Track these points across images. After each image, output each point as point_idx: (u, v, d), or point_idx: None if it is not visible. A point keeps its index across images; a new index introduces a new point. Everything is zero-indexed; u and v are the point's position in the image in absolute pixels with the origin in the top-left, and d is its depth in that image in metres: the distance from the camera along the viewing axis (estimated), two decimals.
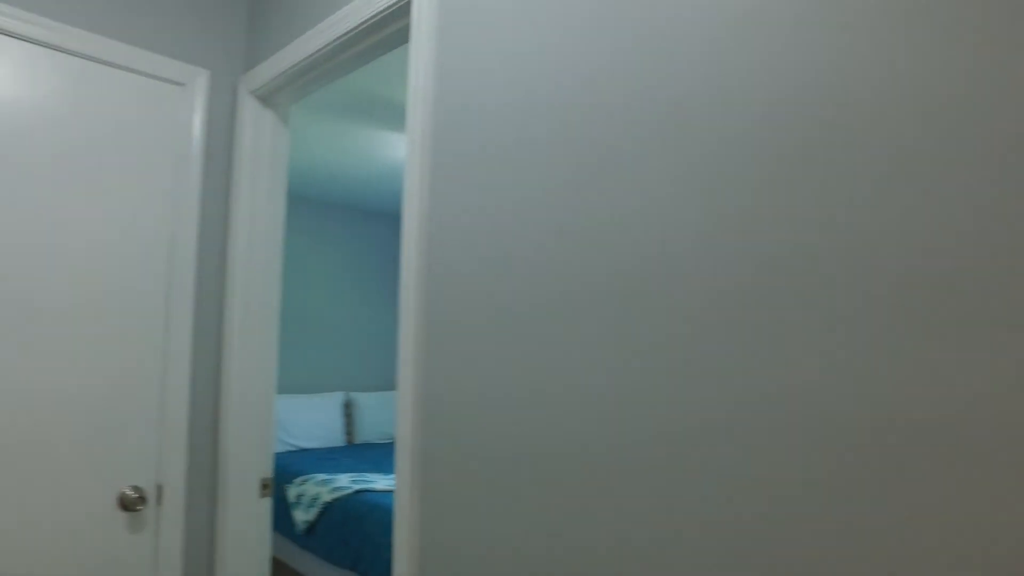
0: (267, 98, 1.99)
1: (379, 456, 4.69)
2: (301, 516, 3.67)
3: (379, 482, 3.77)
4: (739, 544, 0.84)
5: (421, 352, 1.33)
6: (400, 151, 4.26)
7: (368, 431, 5.24)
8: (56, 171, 1.65)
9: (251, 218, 1.95)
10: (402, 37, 1.57)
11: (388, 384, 5.78)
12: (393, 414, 5.40)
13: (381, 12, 1.50)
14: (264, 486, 1.94)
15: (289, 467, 4.22)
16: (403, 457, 1.32)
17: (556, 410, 1.07)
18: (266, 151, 2.00)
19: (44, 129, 1.64)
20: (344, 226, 5.60)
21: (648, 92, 0.99)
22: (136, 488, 1.73)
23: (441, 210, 1.33)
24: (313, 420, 4.91)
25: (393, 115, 3.65)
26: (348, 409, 5.32)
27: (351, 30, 1.58)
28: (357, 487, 3.63)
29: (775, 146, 0.84)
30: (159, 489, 1.79)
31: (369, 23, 1.54)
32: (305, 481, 3.89)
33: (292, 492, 3.87)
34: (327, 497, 3.60)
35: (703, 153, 0.92)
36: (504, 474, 1.15)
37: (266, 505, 1.95)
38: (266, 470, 1.95)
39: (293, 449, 4.77)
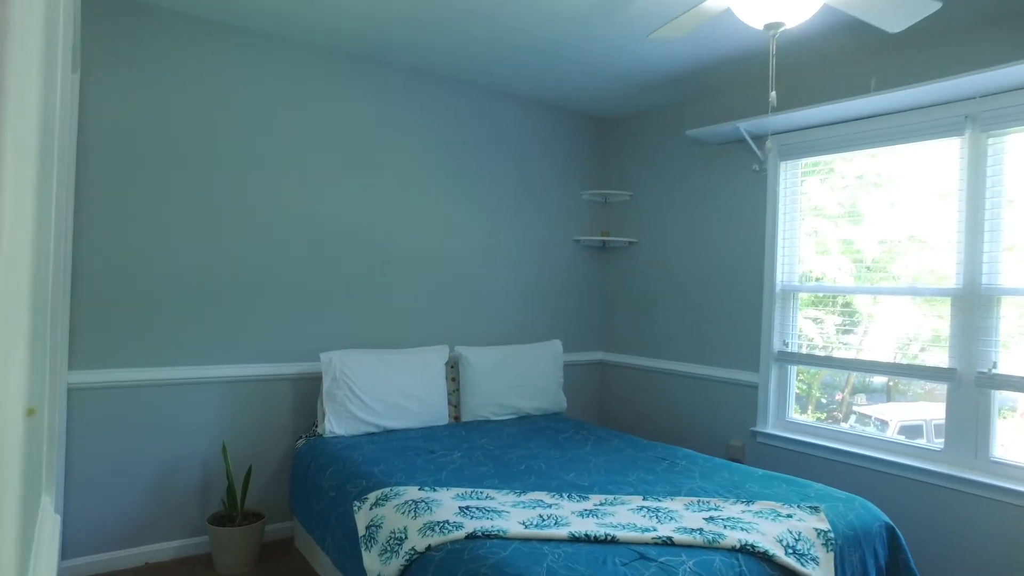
0: None
1: (500, 447, 3.06)
2: (375, 566, 2.11)
3: (511, 514, 2.14)
4: None
5: None
6: None
7: (480, 403, 3.63)
8: None
9: None
10: None
11: (500, 336, 4.13)
12: (514, 378, 3.75)
13: None
14: None
15: (362, 467, 2.67)
16: None
17: None
18: None
19: None
20: (440, 102, 3.90)
21: None
22: None
23: None
24: (403, 386, 3.34)
25: None
26: (453, 370, 3.73)
27: None
28: (470, 523, 2.02)
29: None
30: None
31: None
32: (384, 498, 2.32)
33: (363, 516, 2.32)
34: (419, 541, 2.01)
35: None
36: None
37: None
38: None
39: (374, 431, 3.24)
